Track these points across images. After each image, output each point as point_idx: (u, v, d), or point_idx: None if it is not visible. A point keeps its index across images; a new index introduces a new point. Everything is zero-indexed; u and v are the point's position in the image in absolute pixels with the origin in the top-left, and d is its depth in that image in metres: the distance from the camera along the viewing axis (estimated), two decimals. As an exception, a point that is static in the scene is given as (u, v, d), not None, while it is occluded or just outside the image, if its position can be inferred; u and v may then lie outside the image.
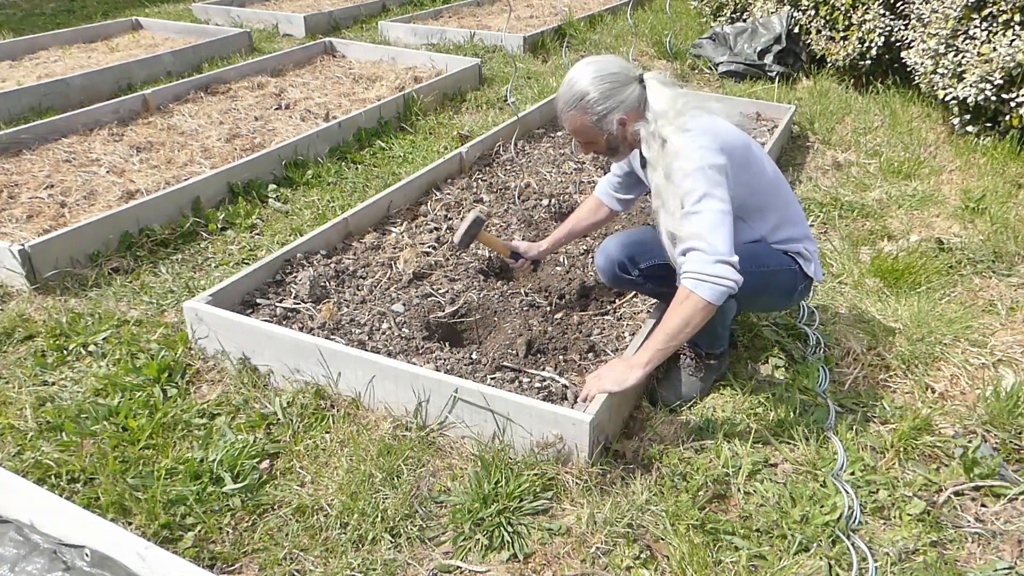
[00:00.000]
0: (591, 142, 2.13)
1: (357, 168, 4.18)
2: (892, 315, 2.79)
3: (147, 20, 7.17)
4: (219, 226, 3.47)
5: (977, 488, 2.05)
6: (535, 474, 2.02)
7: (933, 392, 2.44)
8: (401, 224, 3.35)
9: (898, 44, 5.12)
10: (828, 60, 5.63)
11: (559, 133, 4.58)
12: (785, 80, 5.62)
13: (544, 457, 2.06)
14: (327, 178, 4.00)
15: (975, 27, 4.16)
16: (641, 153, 2.12)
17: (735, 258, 1.89)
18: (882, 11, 5.16)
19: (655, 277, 2.32)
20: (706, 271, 1.87)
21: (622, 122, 2.05)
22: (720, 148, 1.97)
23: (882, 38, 5.15)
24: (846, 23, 5.41)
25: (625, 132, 2.07)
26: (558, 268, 3.03)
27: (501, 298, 2.79)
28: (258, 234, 3.47)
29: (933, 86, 4.43)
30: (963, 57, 4.20)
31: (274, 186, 3.85)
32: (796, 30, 5.80)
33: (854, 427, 2.25)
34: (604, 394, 2.05)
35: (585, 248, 3.17)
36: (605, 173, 2.79)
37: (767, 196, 2.20)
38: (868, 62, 5.31)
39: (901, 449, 2.15)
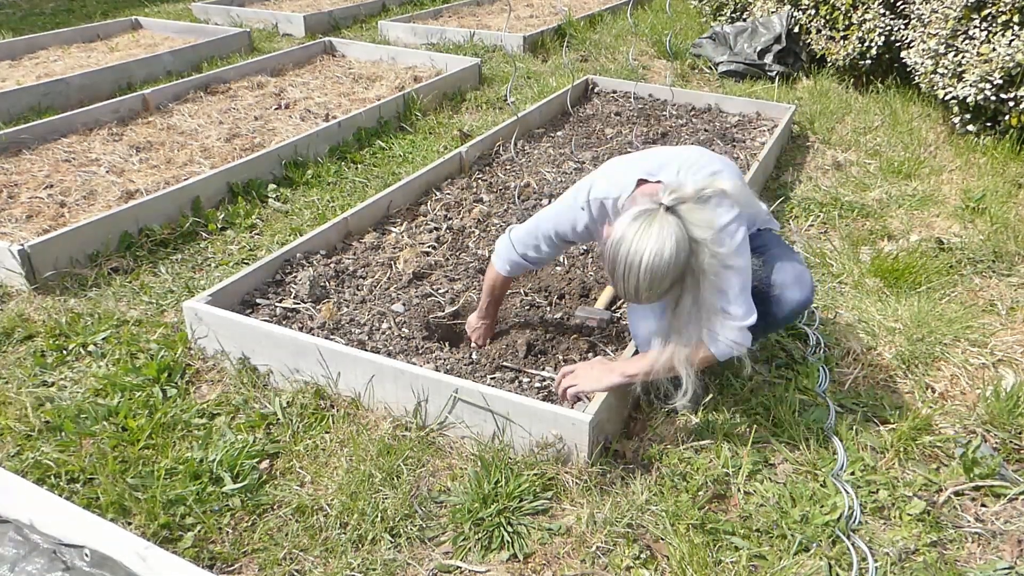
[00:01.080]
0: None
1: (357, 168, 4.17)
2: (892, 315, 2.79)
3: (147, 20, 7.16)
4: (219, 226, 3.47)
5: (977, 488, 2.05)
6: (535, 474, 2.02)
7: (933, 392, 2.44)
8: (401, 224, 3.35)
9: (898, 44, 5.12)
10: (828, 60, 5.63)
11: (559, 133, 4.58)
12: (785, 80, 5.62)
13: (544, 457, 2.06)
14: (327, 178, 4.00)
15: (975, 27, 4.16)
16: None
17: (754, 319, 1.97)
18: (882, 11, 5.16)
19: None
20: (732, 338, 1.97)
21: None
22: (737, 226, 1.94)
23: (882, 38, 5.15)
24: (846, 23, 5.41)
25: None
26: (558, 268, 3.03)
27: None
28: (258, 234, 3.47)
29: (933, 86, 4.43)
30: (963, 57, 4.20)
31: (274, 186, 3.85)
32: (796, 30, 5.80)
33: (854, 427, 2.25)
34: (574, 391, 2.10)
35: (585, 248, 3.17)
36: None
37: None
38: (868, 62, 5.31)
39: (901, 449, 2.15)
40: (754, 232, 2.26)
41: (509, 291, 2.85)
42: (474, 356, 2.47)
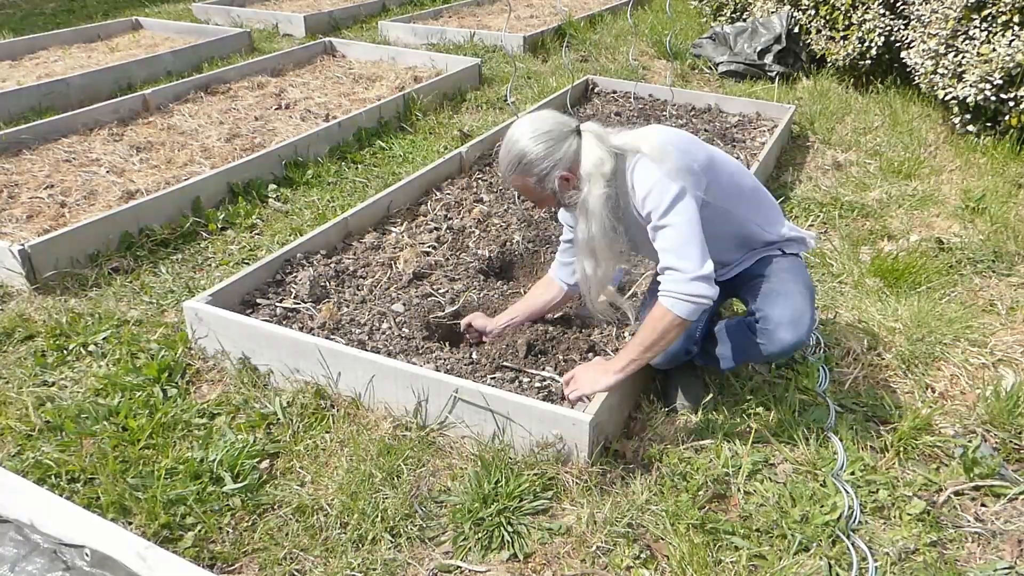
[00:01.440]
0: (540, 200, 2.11)
1: (357, 168, 4.18)
2: (892, 315, 2.79)
3: (147, 20, 7.17)
4: (219, 226, 3.48)
5: (977, 488, 2.05)
6: (535, 474, 2.02)
7: (933, 392, 2.44)
8: (401, 224, 3.35)
9: (898, 44, 5.12)
10: (828, 60, 5.63)
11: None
12: (785, 80, 5.62)
13: (544, 457, 2.06)
14: (327, 178, 4.00)
15: (975, 27, 4.17)
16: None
17: (709, 268, 1.91)
18: (882, 11, 5.16)
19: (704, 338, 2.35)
20: (683, 291, 1.91)
21: (565, 179, 2.01)
22: (677, 169, 1.95)
23: (882, 38, 5.15)
24: (846, 23, 5.41)
25: (569, 188, 2.03)
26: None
27: (501, 298, 2.79)
28: (258, 234, 3.47)
29: (933, 86, 4.44)
30: (963, 57, 4.20)
31: (274, 186, 3.85)
32: (796, 30, 5.80)
33: (854, 427, 2.25)
34: (576, 395, 2.11)
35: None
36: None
37: (740, 195, 2.18)
38: (868, 62, 5.31)
39: (901, 449, 2.16)
40: (770, 256, 2.21)
41: (509, 292, 2.85)
42: (474, 356, 2.47)
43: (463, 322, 2.61)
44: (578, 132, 2.04)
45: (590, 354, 2.49)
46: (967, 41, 4.21)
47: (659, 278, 1.98)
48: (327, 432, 2.23)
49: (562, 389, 2.18)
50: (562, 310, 2.66)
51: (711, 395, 2.35)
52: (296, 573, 1.81)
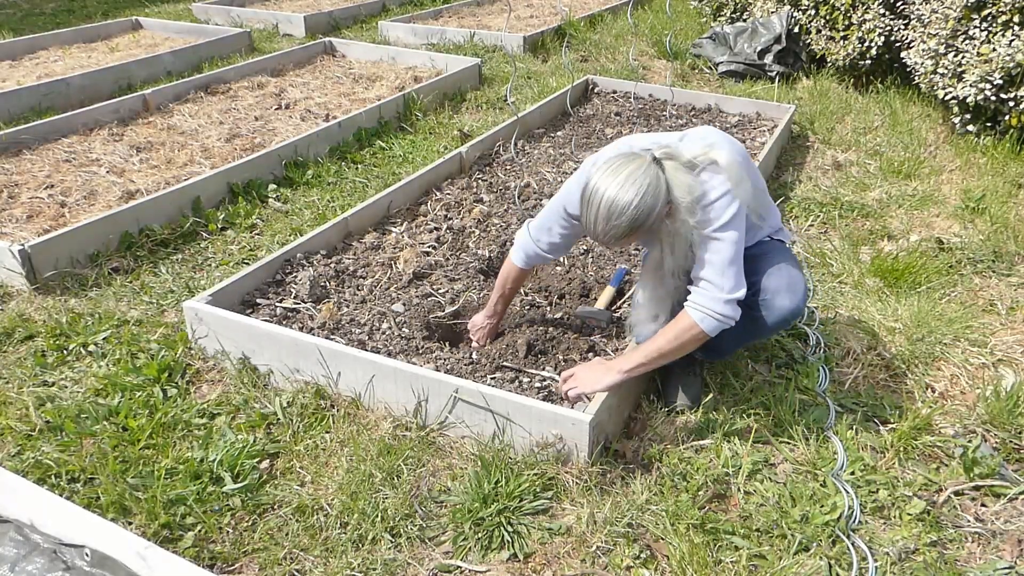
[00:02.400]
0: (643, 238, 2.10)
1: (357, 168, 4.18)
2: (892, 315, 2.79)
3: (147, 20, 7.17)
4: (219, 226, 3.48)
5: (977, 488, 2.05)
6: (535, 474, 2.02)
7: (933, 392, 2.44)
8: (401, 224, 3.35)
9: (898, 44, 5.12)
10: (828, 60, 5.63)
11: (559, 133, 4.59)
12: (785, 80, 5.62)
13: (544, 457, 2.06)
14: (327, 178, 4.00)
15: (975, 27, 4.17)
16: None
17: (742, 293, 1.96)
18: (882, 11, 5.16)
19: None
20: (716, 309, 1.94)
21: (667, 213, 1.94)
22: (742, 188, 1.95)
23: (882, 38, 5.15)
24: (846, 23, 5.41)
25: (664, 219, 1.97)
26: (558, 268, 3.03)
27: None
28: (258, 234, 3.47)
29: (933, 86, 4.44)
30: (963, 57, 4.20)
31: (274, 186, 3.85)
32: (796, 30, 5.80)
33: (854, 427, 2.25)
34: (575, 393, 2.09)
35: (585, 248, 3.17)
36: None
37: (764, 195, 2.24)
38: (868, 62, 5.31)
39: (901, 449, 2.16)
40: (764, 240, 2.25)
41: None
42: (474, 356, 2.47)
43: (471, 327, 2.59)
44: (655, 161, 1.91)
45: (590, 354, 2.49)
46: (967, 41, 4.21)
47: (692, 287, 1.99)
48: (327, 432, 2.23)
49: (560, 384, 2.16)
50: None
51: (711, 395, 2.35)
52: (296, 573, 1.81)
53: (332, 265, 2.94)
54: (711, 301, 1.94)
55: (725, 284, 1.93)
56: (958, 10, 4.21)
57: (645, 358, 2.02)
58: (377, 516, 1.93)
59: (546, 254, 2.32)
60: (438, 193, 3.66)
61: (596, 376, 2.08)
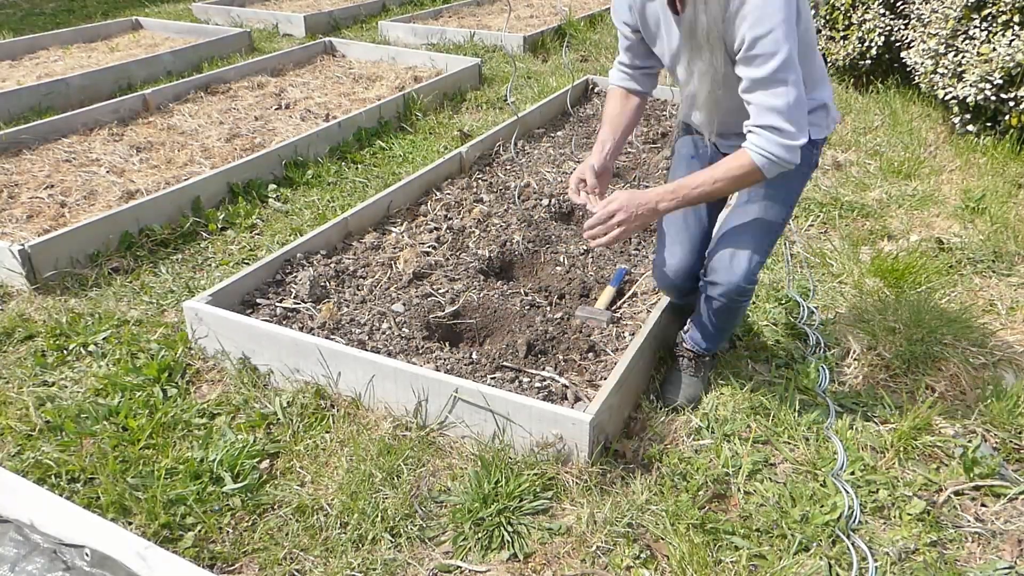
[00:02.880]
0: None
1: (357, 168, 4.18)
2: (892, 315, 2.79)
3: (147, 20, 7.17)
4: (219, 226, 3.48)
5: (977, 488, 2.05)
6: (535, 474, 2.02)
7: (933, 392, 2.44)
8: (401, 224, 3.35)
9: (898, 44, 5.12)
10: (828, 60, 5.63)
11: (559, 133, 4.58)
12: (785, 80, 5.61)
13: (544, 457, 2.06)
14: (327, 178, 4.00)
15: (975, 27, 4.16)
16: None
17: (804, 139, 1.84)
18: (882, 11, 5.15)
19: None
20: (783, 155, 1.83)
21: None
22: None
23: (882, 38, 5.15)
24: (846, 23, 5.41)
25: None
26: (558, 268, 3.03)
27: (501, 298, 2.79)
28: (258, 234, 3.47)
29: (933, 86, 4.43)
30: (963, 57, 4.20)
31: (274, 186, 3.85)
32: (796, 30, 5.79)
33: (854, 427, 2.25)
34: (619, 233, 1.97)
35: (585, 248, 3.17)
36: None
37: (809, 47, 1.97)
38: (868, 62, 5.31)
39: (901, 449, 2.16)
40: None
41: (509, 291, 2.85)
42: (474, 356, 2.47)
43: (573, 182, 2.20)
44: None
45: (590, 354, 2.49)
46: (967, 41, 4.21)
47: (757, 128, 1.85)
48: (327, 432, 2.23)
49: (593, 229, 1.98)
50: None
51: (711, 395, 2.35)
52: (296, 573, 1.81)
53: (332, 265, 2.94)
54: (778, 148, 1.82)
55: (790, 129, 1.80)
56: (958, 10, 4.21)
57: (701, 181, 1.90)
58: (377, 516, 1.93)
59: (628, 71, 2.24)
60: (438, 193, 3.66)
61: (647, 198, 1.92)
